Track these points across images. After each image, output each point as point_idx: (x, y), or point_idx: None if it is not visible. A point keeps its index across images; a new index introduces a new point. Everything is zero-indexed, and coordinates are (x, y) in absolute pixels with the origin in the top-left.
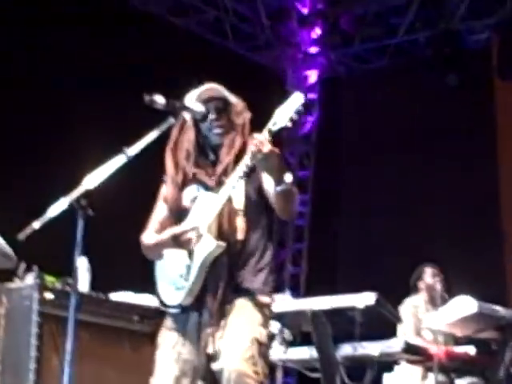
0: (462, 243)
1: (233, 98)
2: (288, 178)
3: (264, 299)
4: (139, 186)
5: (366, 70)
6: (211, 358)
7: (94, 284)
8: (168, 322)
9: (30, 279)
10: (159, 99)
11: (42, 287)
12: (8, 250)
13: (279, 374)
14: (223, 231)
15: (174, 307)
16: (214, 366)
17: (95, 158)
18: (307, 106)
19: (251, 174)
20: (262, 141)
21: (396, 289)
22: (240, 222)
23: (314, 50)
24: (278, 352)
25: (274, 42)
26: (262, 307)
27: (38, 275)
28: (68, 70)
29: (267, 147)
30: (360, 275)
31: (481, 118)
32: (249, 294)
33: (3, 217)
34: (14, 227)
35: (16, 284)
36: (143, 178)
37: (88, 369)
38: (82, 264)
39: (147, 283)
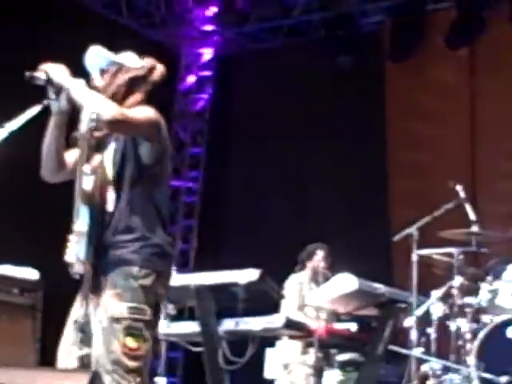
0: (347, 221)
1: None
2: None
3: (132, 270)
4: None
5: (261, 49)
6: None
7: None
8: None
9: None
10: (41, 75)
11: None
12: None
13: (163, 348)
14: (95, 202)
15: None
16: None
17: None
18: (201, 84)
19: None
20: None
21: (282, 265)
22: (111, 194)
23: (209, 28)
24: (161, 326)
25: (169, 19)
26: (128, 278)
27: None
28: None
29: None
30: (248, 252)
31: (371, 101)
32: (117, 265)
33: None
34: None
35: None
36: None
37: None
38: None
39: (28, 257)
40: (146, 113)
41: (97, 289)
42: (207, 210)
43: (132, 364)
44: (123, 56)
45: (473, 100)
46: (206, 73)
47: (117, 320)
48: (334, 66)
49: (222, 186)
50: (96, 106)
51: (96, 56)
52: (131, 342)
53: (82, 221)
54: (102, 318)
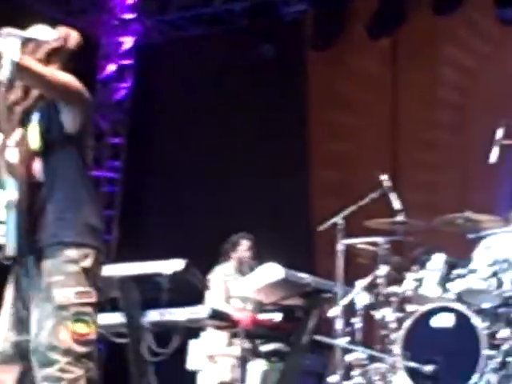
0: (270, 211)
1: None
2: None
3: (70, 253)
4: None
5: (183, 37)
6: None
7: None
8: None
9: None
10: None
11: None
12: None
13: None
14: (21, 174)
15: None
16: None
17: None
18: (121, 73)
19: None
20: None
21: (205, 256)
22: (37, 164)
23: (129, 16)
24: None
25: (89, 7)
26: (69, 263)
27: None
28: None
29: None
30: (171, 243)
31: (293, 90)
32: (55, 248)
33: None
34: None
35: None
36: None
37: None
38: None
39: None
40: (66, 76)
41: (33, 273)
42: (128, 200)
43: (83, 349)
44: (36, 30)
45: (394, 90)
46: (127, 61)
47: (64, 307)
48: (255, 54)
49: (143, 176)
50: (6, 51)
51: (8, 37)
52: (82, 328)
53: (9, 191)
54: (45, 306)
